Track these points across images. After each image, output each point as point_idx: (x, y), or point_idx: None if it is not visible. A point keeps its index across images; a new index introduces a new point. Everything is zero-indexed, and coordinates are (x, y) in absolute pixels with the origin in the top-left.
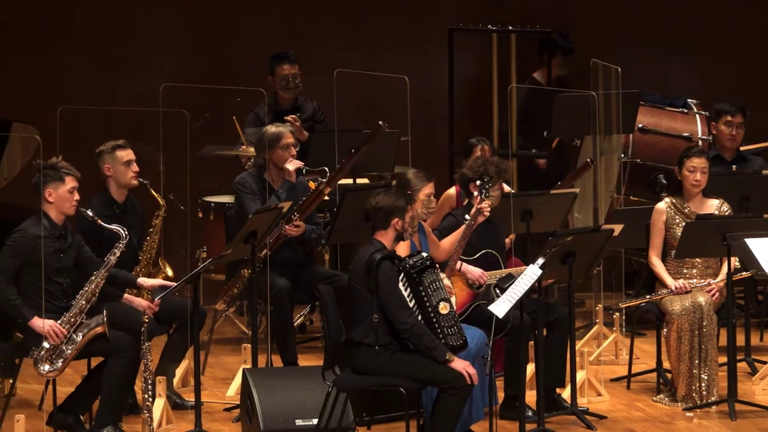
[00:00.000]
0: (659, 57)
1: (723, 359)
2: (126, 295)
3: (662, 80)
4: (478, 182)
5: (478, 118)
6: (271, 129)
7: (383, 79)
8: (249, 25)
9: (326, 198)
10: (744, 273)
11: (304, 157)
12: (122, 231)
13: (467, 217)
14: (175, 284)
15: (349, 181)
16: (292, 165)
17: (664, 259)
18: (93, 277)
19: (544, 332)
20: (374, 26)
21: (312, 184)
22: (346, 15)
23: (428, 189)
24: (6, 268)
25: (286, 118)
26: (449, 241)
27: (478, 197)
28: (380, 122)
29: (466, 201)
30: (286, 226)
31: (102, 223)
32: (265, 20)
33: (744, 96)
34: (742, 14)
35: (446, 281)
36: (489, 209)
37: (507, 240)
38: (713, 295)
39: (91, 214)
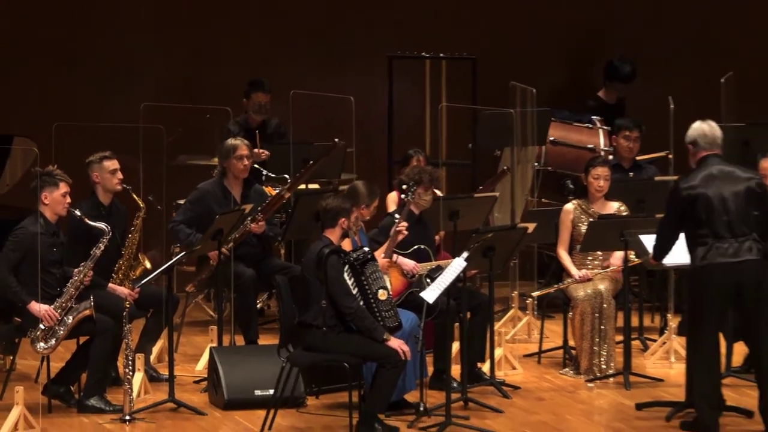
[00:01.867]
0: (569, 77)
1: (619, 338)
2: (110, 284)
3: (572, 97)
4: (403, 187)
5: (414, 132)
6: (229, 141)
7: (332, 99)
8: (218, 51)
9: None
10: (635, 260)
11: (265, 167)
12: (106, 228)
13: (397, 217)
14: (153, 275)
15: (302, 186)
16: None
17: (570, 252)
18: (81, 268)
19: (468, 315)
20: (326, 53)
21: (269, 190)
22: (303, 43)
23: (376, 203)
24: (8, 260)
25: (255, 151)
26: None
27: (405, 199)
28: (336, 139)
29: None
30: (252, 225)
31: (88, 222)
32: (232, 47)
33: (640, 113)
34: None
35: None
36: (405, 226)
37: (437, 236)
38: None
39: (79, 213)
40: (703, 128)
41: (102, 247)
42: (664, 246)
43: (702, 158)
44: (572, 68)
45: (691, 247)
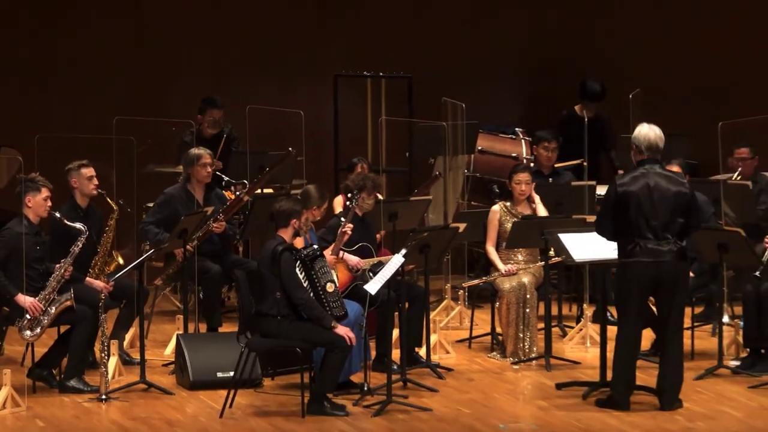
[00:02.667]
0: (496, 94)
1: (541, 325)
2: (88, 278)
3: (497, 113)
4: (349, 195)
5: (357, 142)
6: (193, 151)
7: (284, 113)
8: (182, 69)
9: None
10: (556, 258)
11: (224, 173)
12: (83, 228)
13: (342, 219)
14: (126, 269)
15: (258, 190)
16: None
17: (497, 249)
18: (61, 264)
19: (407, 305)
20: (278, 72)
21: (229, 194)
22: (259, 63)
23: (325, 205)
24: None
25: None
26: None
27: (349, 204)
28: (290, 149)
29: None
30: (213, 225)
31: (67, 222)
32: (196, 66)
33: (557, 125)
34: (559, 57)
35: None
36: (350, 228)
37: (378, 235)
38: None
39: (58, 215)
40: (648, 135)
41: (80, 245)
42: (601, 231)
43: (641, 161)
44: (497, 85)
45: (620, 243)
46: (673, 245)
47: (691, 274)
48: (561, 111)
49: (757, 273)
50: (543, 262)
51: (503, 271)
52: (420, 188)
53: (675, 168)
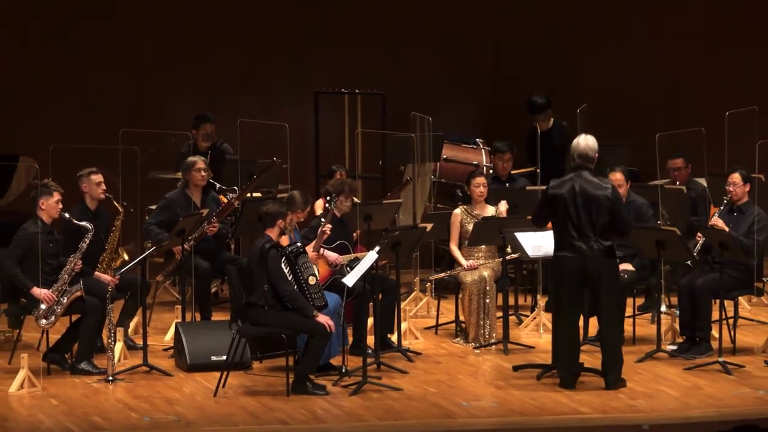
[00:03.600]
0: (459, 109)
1: (499, 314)
2: (96, 273)
3: (460, 125)
4: (327, 197)
5: (336, 152)
6: (190, 158)
7: (271, 126)
8: (180, 86)
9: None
10: (513, 255)
11: (217, 180)
12: (90, 226)
13: (323, 220)
14: (130, 264)
15: (247, 195)
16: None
17: (460, 246)
18: (71, 258)
19: (380, 296)
20: (266, 90)
21: (222, 198)
22: (248, 81)
23: (308, 209)
24: (14, 254)
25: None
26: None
27: (329, 206)
28: (275, 158)
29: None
30: (208, 227)
31: (75, 221)
32: (191, 84)
33: (514, 135)
34: (516, 76)
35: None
36: (329, 228)
37: (354, 234)
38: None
39: (67, 216)
40: (580, 144)
41: (87, 242)
42: (535, 224)
43: (574, 167)
44: (460, 101)
45: (555, 239)
46: (595, 243)
47: (633, 269)
48: (515, 123)
49: (689, 263)
50: (501, 258)
51: (466, 266)
52: (393, 192)
53: (618, 174)
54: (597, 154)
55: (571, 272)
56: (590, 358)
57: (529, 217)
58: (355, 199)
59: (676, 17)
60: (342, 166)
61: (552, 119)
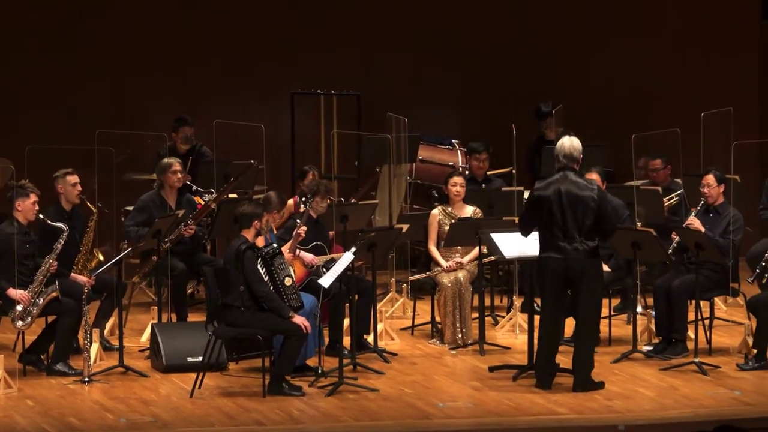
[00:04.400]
0: (434, 110)
1: (475, 315)
2: (72, 274)
3: (436, 125)
4: (303, 198)
5: (311, 153)
6: (165, 160)
7: (247, 127)
8: (157, 87)
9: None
10: (490, 257)
11: (194, 182)
12: (64, 227)
13: (298, 221)
14: (106, 265)
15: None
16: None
17: (437, 247)
18: (47, 259)
19: (356, 297)
20: (242, 91)
21: (198, 199)
22: (225, 82)
23: (285, 210)
24: None
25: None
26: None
27: (303, 207)
28: (252, 160)
29: (302, 208)
30: (185, 230)
31: (49, 222)
32: (169, 85)
33: (489, 137)
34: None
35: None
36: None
37: (331, 234)
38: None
39: (42, 216)
40: (565, 144)
41: (62, 242)
42: (521, 228)
43: (559, 168)
44: (436, 102)
45: (540, 240)
46: (580, 244)
47: (609, 269)
48: (490, 123)
49: (667, 262)
50: (476, 261)
51: (445, 267)
52: (363, 188)
53: (594, 175)
54: (581, 155)
55: (556, 273)
56: (566, 358)
57: (507, 218)
58: (331, 200)
59: (652, 20)
60: (314, 167)
61: (560, 129)
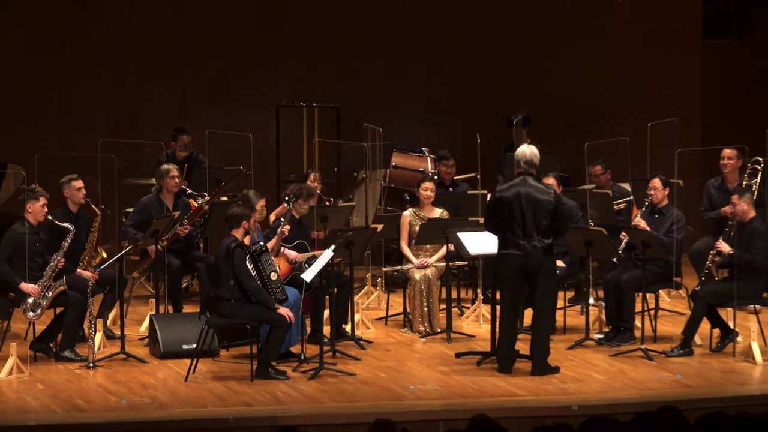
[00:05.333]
0: (407, 121)
1: (443, 306)
2: (78, 269)
3: (408, 134)
4: (286, 198)
5: (295, 160)
6: (164, 166)
7: (237, 136)
8: (155, 99)
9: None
10: (459, 262)
11: (189, 186)
12: (70, 227)
13: (282, 220)
14: (108, 262)
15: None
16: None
17: (409, 245)
18: (55, 257)
19: (335, 290)
20: (232, 103)
21: (192, 201)
22: (216, 94)
23: (261, 203)
24: (3, 252)
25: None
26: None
27: (288, 207)
28: (241, 167)
29: (285, 206)
30: (180, 230)
31: (57, 222)
32: (166, 97)
33: (456, 145)
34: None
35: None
36: (288, 229)
37: (313, 234)
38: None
39: (50, 218)
40: (524, 151)
41: (68, 241)
42: (487, 227)
43: (519, 173)
44: (408, 113)
45: (498, 239)
46: (537, 242)
47: (564, 265)
48: (458, 132)
49: (615, 260)
50: (444, 259)
51: (416, 264)
52: (347, 192)
53: (551, 180)
54: (539, 162)
55: (515, 268)
56: (525, 345)
57: (472, 219)
58: (323, 199)
59: (605, 40)
60: (314, 170)
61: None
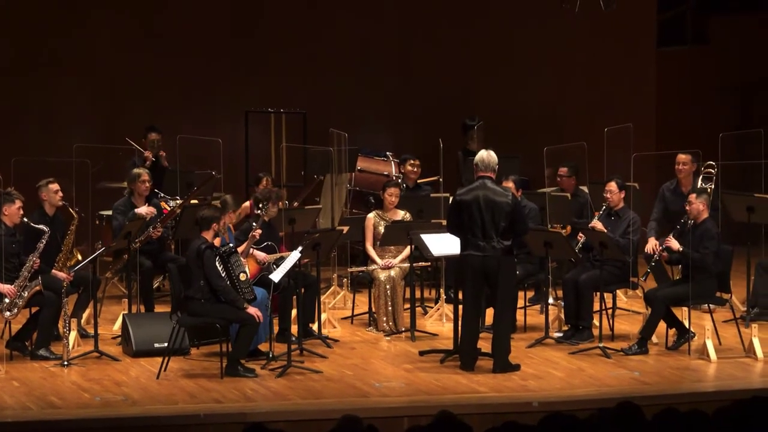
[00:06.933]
0: (371, 126)
1: (407, 305)
2: (53, 270)
3: (373, 139)
4: (258, 205)
5: (263, 164)
6: (135, 170)
7: (207, 141)
8: (128, 105)
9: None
10: (423, 263)
11: (161, 190)
12: (45, 228)
13: (254, 224)
14: (82, 263)
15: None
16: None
17: (373, 246)
18: (31, 257)
19: (302, 290)
20: (202, 109)
21: (163, 204)
22: (187, 101)
23: (239, 210)
24: None
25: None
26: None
27: (260, 212)
28: (213, 172)
29: (257, 212)
30: (153, 232)
31: (32, 224)
32: (139, 105)
33: (419, 149)
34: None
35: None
36: (259, 232)
37: (281, 234)
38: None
39: (26, 219)
40: (483, 156)
41: (44, 242)
42: (449, 230)
43: (478, 177)
44: (372, 119)
45: (460, 240)
46: (496, 243)
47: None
48: (420, 137)
49: (572, 259)
50: (408, 261)
51: (381, 265)
52: (302, 193)
53: (509, 183)
54: (498, 166)
55: (475, 269)
56: (486, 344)
57: (434, 221)
58: (281, 205)
59: (563, 48)
60: (268, 173)
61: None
